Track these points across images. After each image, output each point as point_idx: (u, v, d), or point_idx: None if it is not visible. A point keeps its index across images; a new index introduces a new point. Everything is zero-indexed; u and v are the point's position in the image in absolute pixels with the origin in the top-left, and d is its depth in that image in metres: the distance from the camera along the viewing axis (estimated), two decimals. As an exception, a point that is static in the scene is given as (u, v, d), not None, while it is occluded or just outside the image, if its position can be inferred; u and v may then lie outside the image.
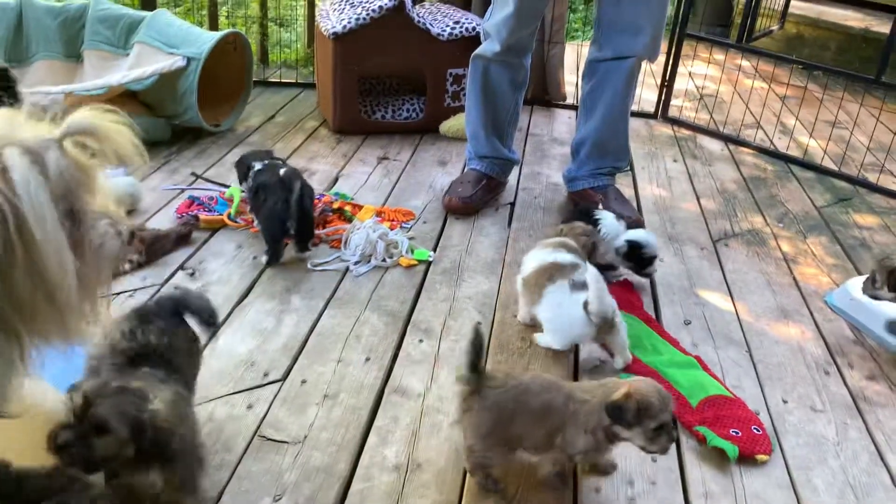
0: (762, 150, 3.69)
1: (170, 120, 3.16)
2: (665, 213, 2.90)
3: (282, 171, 2.26)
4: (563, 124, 3.87)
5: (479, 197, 2.77)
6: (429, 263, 2.37)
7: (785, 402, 1.87)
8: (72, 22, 3.26)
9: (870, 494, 1.60)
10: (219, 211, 2.53)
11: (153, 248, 2.25)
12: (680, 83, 4.38)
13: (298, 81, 4.12)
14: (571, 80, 4.35)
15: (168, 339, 1.40)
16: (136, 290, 2.10)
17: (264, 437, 1.61)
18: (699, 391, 1.83)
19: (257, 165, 2.34)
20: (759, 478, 1.61)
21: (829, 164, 3.53)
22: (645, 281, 2.36)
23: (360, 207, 2.64)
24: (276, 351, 1.89)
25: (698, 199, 3.07)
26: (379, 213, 2.60)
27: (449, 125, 3.46)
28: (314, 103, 3.79)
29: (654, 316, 2.19)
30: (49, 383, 1.43)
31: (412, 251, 2.41)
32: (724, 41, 5.02)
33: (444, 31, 3.33)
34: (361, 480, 1.51)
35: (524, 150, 3.45)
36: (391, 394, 1.78)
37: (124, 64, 3.16)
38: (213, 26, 4.22)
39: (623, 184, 3.04)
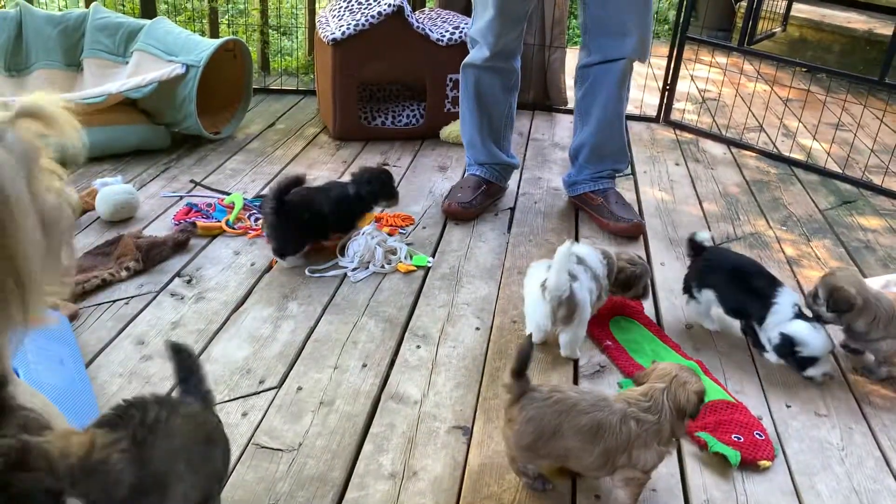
0: (765, 154, 3.66)
1: (169, 128, 3.15)
2: (667, 216, 2.88)
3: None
4: (565, 129, 3.85)
5: (479, 202, 2.75)
6: (427, 269, 2.35)
7: (788, 406, 1.84)
8: (71, 31, 3.27)
9: (875, 501, 1.57)
10: (217, 218, 2.52)
11: (150, 255, 2.24)
12: (682, 87, 4.37)
13: (299, 89, 4.12)
14: (573, 85, 4.33)
15: None
16: (131, 297, 2.09)
17: (258, 444, 1.59)
18: (700, 396, 1.80)
19: None
20: (761, 484, 1.58)
21: (832, 166, 3.50)
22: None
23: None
24: (272, 358, 1.88)
25: (700, 202, 3.04)
26: (378, 219, 2.59)
27: (449, 130, 3.45)
28: (314, 110, 3.78)
29: (655, 321, 2.16)
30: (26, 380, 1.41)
31: (411, 257, 2.39)
32: (725, 44, 5.00)
33: (444, 36, 3.32)
34: (356, 489, 1.49)
35: (525, 155, 3.43)
36: (388, 400, 1.76)
37: (124, 72, 3.16)
38: (214, 34, 4.22)
39: (624, 188, 3.02)
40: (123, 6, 4.55)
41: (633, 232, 2.64)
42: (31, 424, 0.93)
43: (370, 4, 3.28)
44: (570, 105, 4.12)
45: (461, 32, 3.33)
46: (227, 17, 4.95)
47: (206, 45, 3.06)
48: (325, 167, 3.11)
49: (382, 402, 1.75)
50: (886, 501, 1.57)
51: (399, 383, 1.82)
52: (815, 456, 1.68)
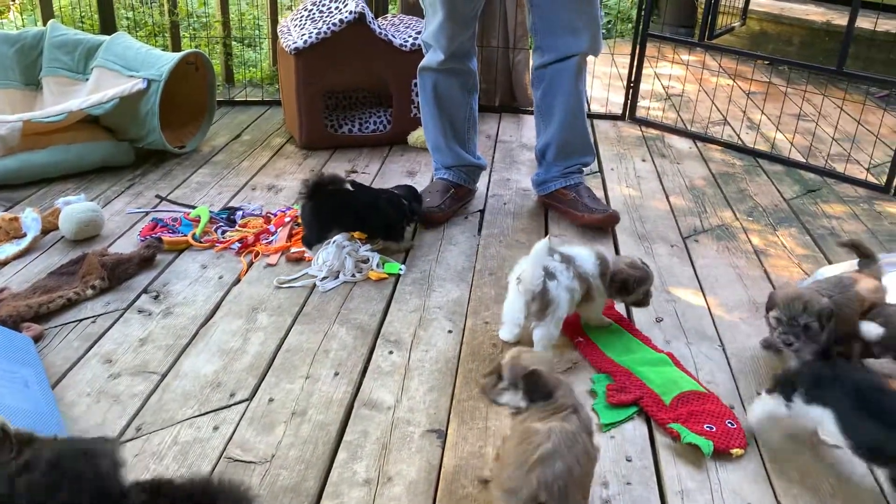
0: (730, 146, 3.70)
1: (133, 143, 3.12)
2: (635, 212, 2.90)
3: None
4: (532, 130, 3.82)
5: (448, 206, 2.75)
6: (399, 276, 2.35)
7: (759, 394, 1.85)
8: (29, 49, 3.23)
9: (845, 483, 1.59)
10: (183, 232, 2.50)
11: (116, 273, 2.21)
12: (646, 84, 4.41)
13: (265, 99, 4.09)
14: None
15: None
16: (98, 315, 2.06)
17: (231, 458, 1.57)
18: (672, 388, 1.81)
19: None
20: (734, 472, 1.60)
21: (796, 156, 3.55)
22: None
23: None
24: (242, 370, 1.86)
25: (668, 197, 3.07)
26: (347, 227, 2.58)
27: (417, 136, 3.45)
28: (280, 121, 3.76)
29: (625, 315, 2.17)
30: None
31: (383, 265, 2.38)
32: (686, 40, 5.06)
33: (407, 41, 3.33)
34: (331, 497, 1.48)
35: (493, 157, 3.44)
36: (361, 407, 1.75)
37: (84, 89, 3.13)
38: (177, 48, 4.18)
39: (592, 185, 3.03)
40: (83, 23, 4.50)
41: (609, 221, 2.66)
42: None
43: (331, 12, 3.27)
44: (536, 106, 4.15)
45: (424, 37, 3.33)
46: (189, 30, 4.90)
47: (167, 59, 3.03)
48: (293, 177, 3.09)
49: (356, 409, 1.74)
50: (855, 482, 1.59)
51: (372, 390, 1.81)
52: (787, 442, 1.69)
